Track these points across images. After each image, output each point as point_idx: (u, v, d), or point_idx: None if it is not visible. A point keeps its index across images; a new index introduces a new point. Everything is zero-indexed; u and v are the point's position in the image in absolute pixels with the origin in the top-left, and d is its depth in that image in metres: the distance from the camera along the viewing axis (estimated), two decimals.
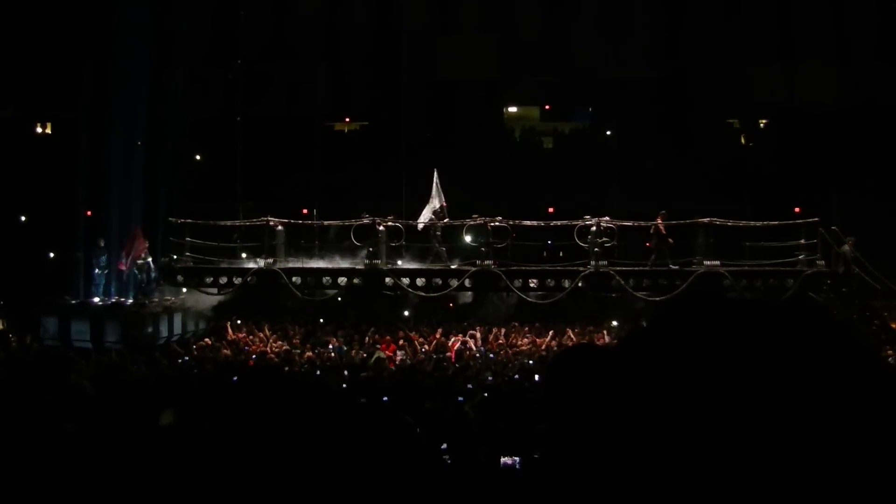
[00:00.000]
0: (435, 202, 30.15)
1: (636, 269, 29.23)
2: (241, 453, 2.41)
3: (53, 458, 4.62)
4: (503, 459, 12.55)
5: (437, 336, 30.52)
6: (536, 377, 23.25)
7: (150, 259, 32.18)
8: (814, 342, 1.17)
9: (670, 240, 29.22)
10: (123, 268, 32.32)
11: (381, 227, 29.30)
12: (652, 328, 1.27)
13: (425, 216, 30.35)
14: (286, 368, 24.86)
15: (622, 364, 1.25)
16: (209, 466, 2.51)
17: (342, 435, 2.48)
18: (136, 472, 4.48)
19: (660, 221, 29.30)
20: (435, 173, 30.36)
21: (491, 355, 28.30)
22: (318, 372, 25.08)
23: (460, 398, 18.30)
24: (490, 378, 23.23)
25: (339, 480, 2.37)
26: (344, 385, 22.02)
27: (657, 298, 28.40)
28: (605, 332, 31.04)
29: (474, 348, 29.26)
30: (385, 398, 18.64)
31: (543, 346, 29.21)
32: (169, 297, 32.50)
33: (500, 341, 30.25)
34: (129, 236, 32.50)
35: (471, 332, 30.50)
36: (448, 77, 43.63)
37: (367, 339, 30.08)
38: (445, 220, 29.82)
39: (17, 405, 5.27)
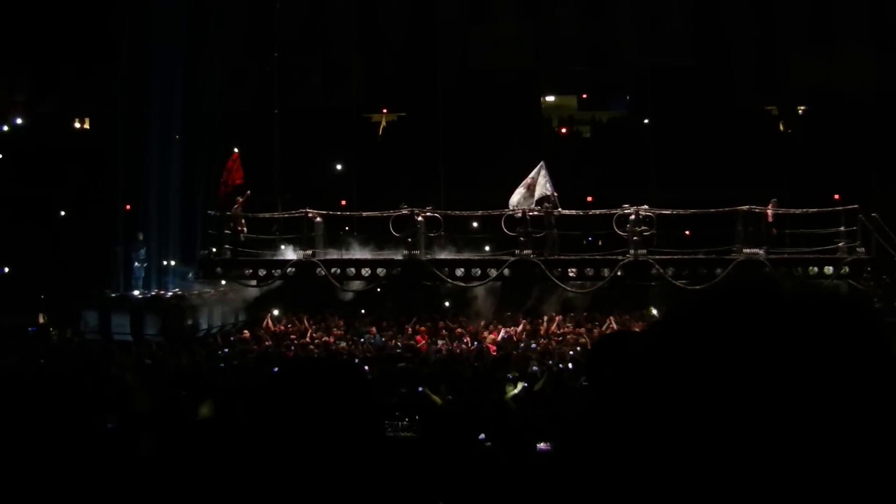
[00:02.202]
0: (542, 191, 29.89)
1: (675, 257, 29.10)
2: (275, 442, 2.38)
3: (95, 449, 4.61)
4: (539, 445, 12.59)
5: (482, 326, 30.60)
6: (570, 365, 23.30)
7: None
8: (834, 333, 1.15)
9: (773, 229, 29.11)
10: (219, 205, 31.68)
11: (420, 218, 29.29)
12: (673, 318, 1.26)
13: (518, 202, 30.12)
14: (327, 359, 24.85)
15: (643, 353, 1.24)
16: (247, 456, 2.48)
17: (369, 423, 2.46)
18: (174, 463, 4.47)
19: (770, 209, 29.21)
20: (542, 164, 30.17)
21: (533, 345, 28.29)
22: (357, 361, 25.08)
23: (498, 388, 18.30)
24: (535, 368, 23.22)
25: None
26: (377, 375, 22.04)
27: (697, 287, 28.31)
28: (644, 321, 30.99)
29: (516, 338, 29.29)
30: (420, 389, 18.64)
31: (583, 335, 29.18)
32: (208, 290, 32.68)
33: (542, 331, 30.26)
34: (228, 165, 32.06)
35: (519, 320, 30.56)
36: (484, 67, 43.53)
37: (407, 329, 30.19)
38: (559, 210, 29.66)
39: (60, 397, 5.28)
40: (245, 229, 31.00)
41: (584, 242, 32.28)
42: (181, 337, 29.70)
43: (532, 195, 29.86)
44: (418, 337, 29.46)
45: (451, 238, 30.42)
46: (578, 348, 26.97)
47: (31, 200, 39.46)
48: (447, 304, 32.61)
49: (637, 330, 27.61)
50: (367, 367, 22.89)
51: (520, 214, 29.69)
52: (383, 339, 29.60)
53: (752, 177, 35.90)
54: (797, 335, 1.16)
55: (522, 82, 44.73)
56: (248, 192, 31.14)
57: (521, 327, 30.26)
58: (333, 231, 31.45)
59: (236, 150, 32.17)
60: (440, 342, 28.93)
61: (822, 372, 1.12)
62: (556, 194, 29.75)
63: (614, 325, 29.93)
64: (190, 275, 34.39)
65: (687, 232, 30.78)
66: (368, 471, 2.34)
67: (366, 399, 2.54)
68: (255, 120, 41.03)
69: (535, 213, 29.61)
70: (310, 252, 29.92)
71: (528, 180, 30.09)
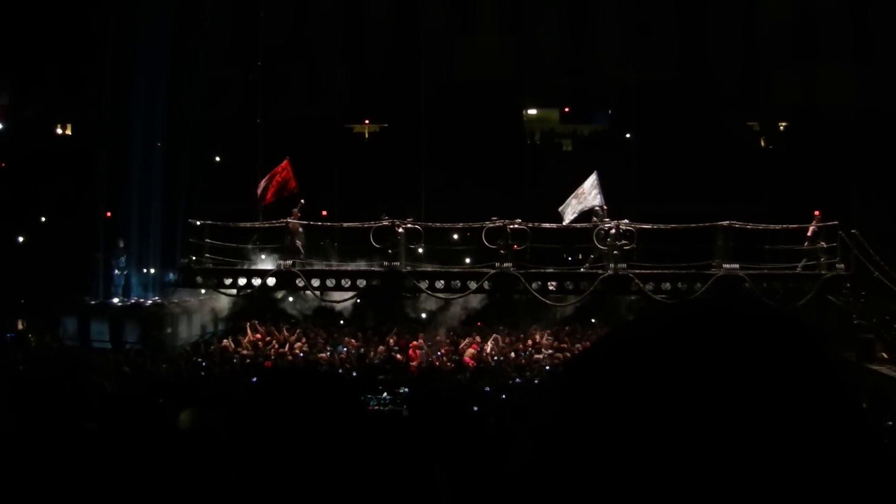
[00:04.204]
0: (591, 202, 29.69)
1: (655, 271, 29.13)
2: (261, 449, 2.45)
3: (75, 455, 4.66)
4: None
5: (461, 339, 30.59)
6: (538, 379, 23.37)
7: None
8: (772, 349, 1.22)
9: (823, 243, 29.09)
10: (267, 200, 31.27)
11: (401, 229, 29.29)
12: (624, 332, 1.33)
13: (570, 212, 29.99)
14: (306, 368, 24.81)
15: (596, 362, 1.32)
16: (232, 463, 2.55)
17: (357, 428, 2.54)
18: (158, 471, 4.53)
19: (814, 225, 29.25)
20: (594, 174, 30.09)
21: (499, 357, 28.33)
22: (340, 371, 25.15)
23: (475, 408, 18.36)
24: (518, 379, 23.29)
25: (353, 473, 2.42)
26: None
27: (676, 301, 28.32)
28: None
29: (489, 351, 29.29)
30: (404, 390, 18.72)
31: (564, 349, 29.22)
32: (188, 298, 32.64)
33: (521, 344, 30.28)
34: (277, 170, 31.61)
35: (494, 335, 30.51)
36: (467, 79, 43.55)
37: (388, 340, 30.16)
38: (606, 222, 29.58)
39: (39, 403, 5.33)
40: (301, 242, 30.68)
41: (566, 258, 32.28)
42: (160, 345, 29.68)
43: (582, 205, 29.76)
44: (410, 352, 29.38)
45: (432, 250, 30.39)
46: (556, 362, 27.02)
47: (11, 205, 39.36)
48: (424, 315, 32.56)
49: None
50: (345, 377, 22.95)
51: (566, 222, 29.63)
52: (362, 349, 29.59)
53: (733, 192, 36.02)
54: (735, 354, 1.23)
55: (505, 95, 44.75)
56: (302, 200, 30.90)
57: (500, 340, 30.24)
58: (314, 241, 31.43)
59: (287, 157, 31.95)
60: (419, 351, 28.96)
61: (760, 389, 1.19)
62: (605, 207, 29.66)
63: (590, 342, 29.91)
64: (171, 276, 34.39)
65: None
66: (356, 475, 2.41)
67: (351, 407, 2.61)
68: (238, 128, 40.97)
69: (585, 225, 29.62)
70: (290, 262, 29.89)
71: (579, 190, 29.99)
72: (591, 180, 29.78)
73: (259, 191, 31.21)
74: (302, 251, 30.23)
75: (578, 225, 30.02)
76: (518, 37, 43.64)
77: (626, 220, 29.22)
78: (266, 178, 31.32)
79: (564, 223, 29.72)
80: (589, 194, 29.60)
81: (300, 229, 30.44)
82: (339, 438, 2.45)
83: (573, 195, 29.95)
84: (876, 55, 39.61)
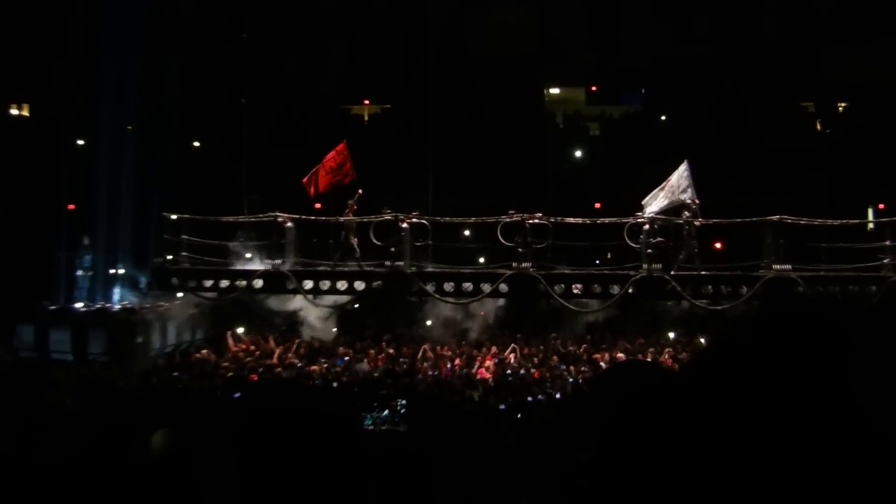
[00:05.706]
0: (682, 196, 29.34)
1: (694, 273, 28.84)
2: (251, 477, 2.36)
3: (38, 483, 4.57)
4: None
5: (476, 351, 30.48)
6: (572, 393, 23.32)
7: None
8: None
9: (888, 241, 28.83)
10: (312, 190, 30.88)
11: (405, 225, 29.15)
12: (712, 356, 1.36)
13: (654, 206, 29.66)
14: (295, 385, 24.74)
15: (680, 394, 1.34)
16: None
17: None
18: (127, 500, 4.42)
19: None
20: (685, 164, 29.74)
21: (517, 370, 28.24)
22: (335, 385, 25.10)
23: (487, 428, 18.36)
24: (540, 396, 23.25)
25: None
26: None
27: (719, 307, 28.07)
28: (659, 346, 30.66)
29: (509, 362, 29.18)
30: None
31: (595, 361, 29.06)
32: (162, 303, 32.52)
33: (541, 356, 30.16)
34: (332, 155, 31.29)
35: (513, 345, 30.39)
36: (481, 54, 43.45)
37: (390, 351, 30.04)
38: (700, 220, 29.35)
39: None
40: (356, 239, 30.31)
41: (596, 260, 32.17)
42: (130, 356, 29.60)
43: (667, 199, 29.41)
44: (443, 366, 29.24)
45: (440, 248, 30.25)
46: (581, 377, 26.87)
47: None
48: (430, 322, 32.42)
49: (648, 359, 27.57)
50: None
51: (647, 225, 29.22)
52: (368, 365, 29.51)
53: (784, 182, 35.81)
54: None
55: (524, 72, 44.61)
56: (360, 191, 30.60)
57: (518, 351, 30.10)
58: (307, 238, 31.26)
59: (344, 140, 31.66)
60: (425, 364, 28.85)
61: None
62: (697, 202, 29.27)
63: (620, 354, 29.66)
64: (142, 278, 34.36)
65: (718, 244, 30.63)
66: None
67: (344, 434, 2.54)
68: (220, 110, 40.91)
69: (670, 221, 29.30)
70: (279, 262, 29.80)
71: (667, 182, 29.62)
72: (682, 171, 29.47)
73: (307, 179, 30.94)
74: (357, 250, 29.96)
75: (607, 220, 29.86)
76: (538, 7, 43.54)
77: (662, 215, 29.04)
78: (319, 165, 31.02)
79: (647, 215, 29.38)
80: (678, 187, 29.31)
81: (355, 225, 30.17)
82: (331, 467, 2.39)
83: (659, 187, 29.69)
84: None
